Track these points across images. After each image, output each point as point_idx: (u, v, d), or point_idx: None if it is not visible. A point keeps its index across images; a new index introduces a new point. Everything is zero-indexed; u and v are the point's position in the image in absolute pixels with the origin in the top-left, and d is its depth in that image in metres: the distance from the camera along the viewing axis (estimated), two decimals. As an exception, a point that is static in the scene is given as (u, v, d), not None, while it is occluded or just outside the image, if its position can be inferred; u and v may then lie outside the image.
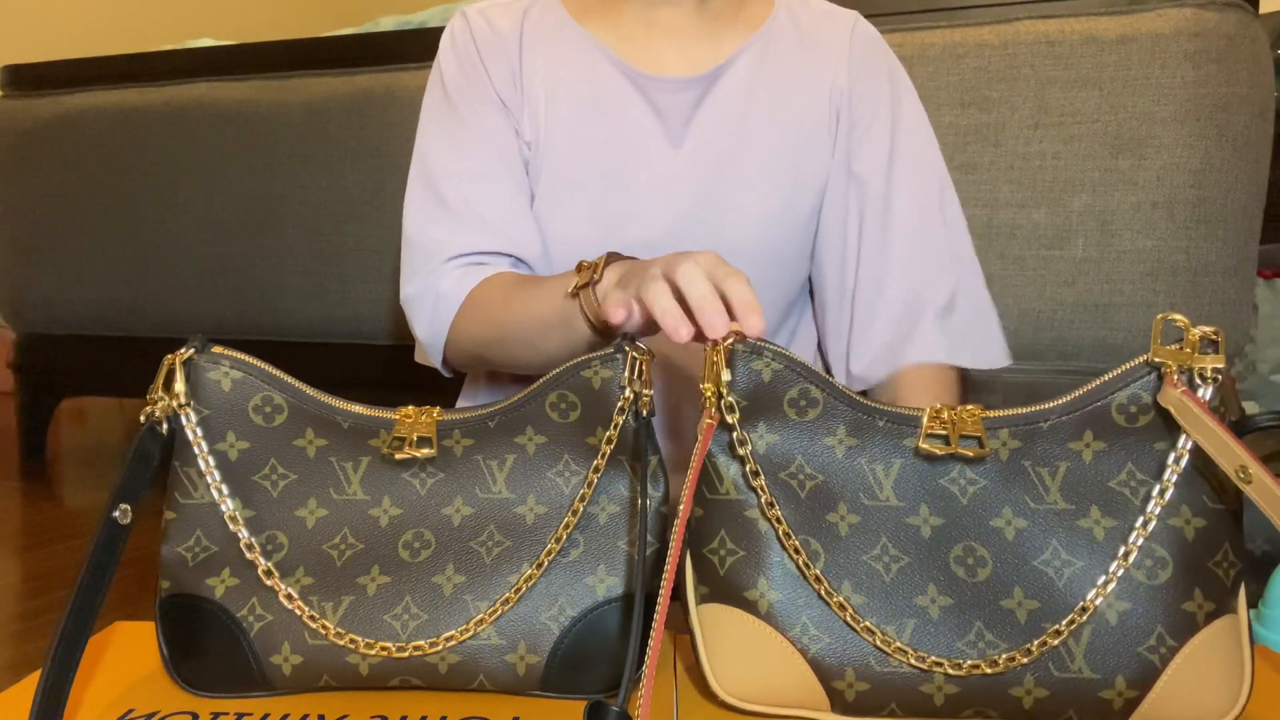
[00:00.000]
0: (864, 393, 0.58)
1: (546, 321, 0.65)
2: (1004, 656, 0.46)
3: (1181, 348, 0.46)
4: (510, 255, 0.76)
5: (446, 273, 0.75)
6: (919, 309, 0.78)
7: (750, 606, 0.49)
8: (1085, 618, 0.46)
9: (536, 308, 0.66)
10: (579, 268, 0.62)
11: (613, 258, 0.62)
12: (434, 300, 0.75)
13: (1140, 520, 0.47)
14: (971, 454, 0.48)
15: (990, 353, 0.80)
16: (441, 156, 0.78)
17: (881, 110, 0.80)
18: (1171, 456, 0.47)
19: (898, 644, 0.47)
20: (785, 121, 0.79)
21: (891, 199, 0.79)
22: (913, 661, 0.46)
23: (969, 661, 0.46)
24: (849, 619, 0.47)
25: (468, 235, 0.75)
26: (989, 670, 0.46)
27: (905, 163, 0.80)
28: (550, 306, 0.64)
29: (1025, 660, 0.46)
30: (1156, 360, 0.46)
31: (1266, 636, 0.68)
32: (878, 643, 0.47)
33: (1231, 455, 0.43)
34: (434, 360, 0.80)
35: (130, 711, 0.49)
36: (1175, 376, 0.45)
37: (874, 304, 0.79)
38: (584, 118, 0.78)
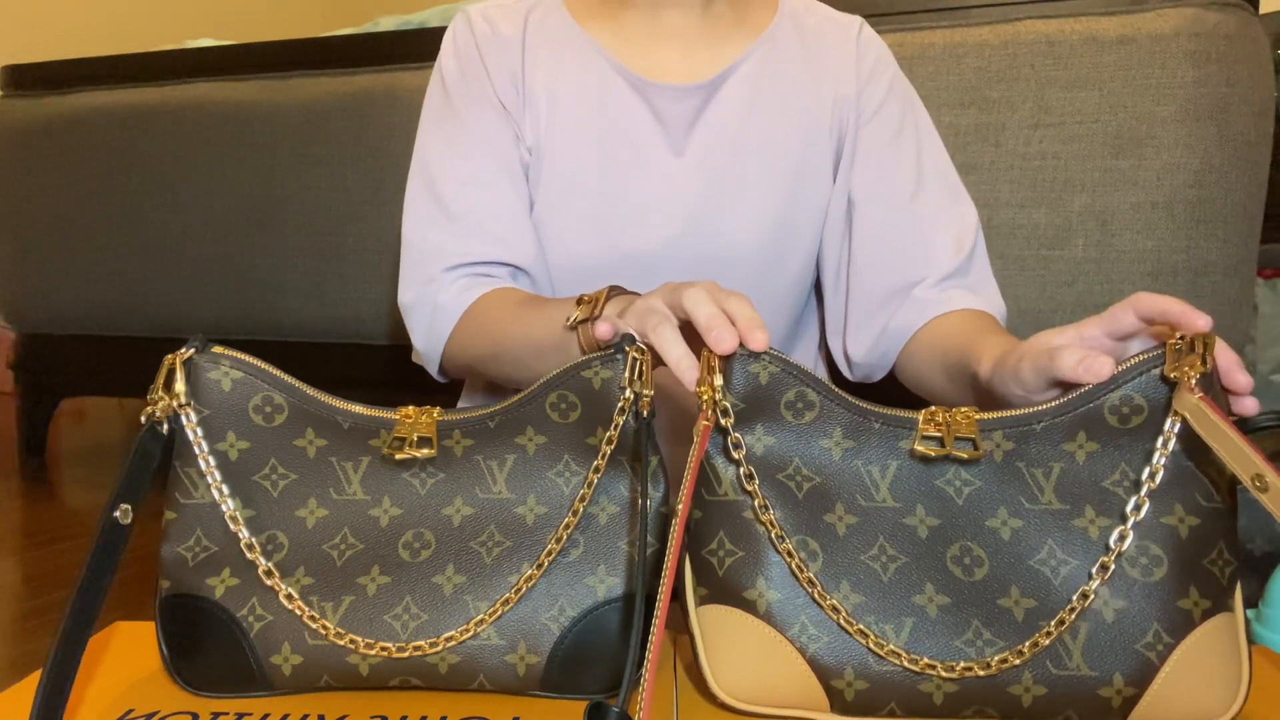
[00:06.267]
0: (872, 387, 0.57)
1: (542, 346, 0.65)
2: (997, 658, 0.46)
3: (1175, 348, 0.46)
4: (509, 264, 0.76)
5: (445, 284, 0.75)
6: (914, 282, 0.76)
7: (749, 606, 0.49)
8: (1074, 617, 0.46)
9: (534, 331, 0.66)
10: (579, 300, 0.62)
11: (614, 291, 0.62)
12: (431, 311, 0.75)
13: (1131, 519, 0.47)
14: (966, 456, 0.49)
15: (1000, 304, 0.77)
16: (441, 160, 0.78)
17: (887, 105, 0.80)
18: (1160, 440, 0.47)
19: (890, 646, 0.47)
20: (787, 129, 0.79)
21: (897, 179, 0.79)
22: (905, 664, 0.46)
23: (962, 664, 0.46)
24: (842, 621, 0.47)
25: (467, 243, 0.75)
26: (981, 673, 0.46)
27: (909, 146, 0.80)
28: (548, 333, 0.64)
29: (1018, 661, 0.46)
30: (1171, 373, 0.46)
31: (1267, 636, 0.68)
32: (870, 645, 0.47)
33: (1248, 463, 0.42)
34: (430, 368, 0.80)
35: (130, 711, 0.50)
36: (1192, 382, 0.45)
37: (871, 290, 0.78)
38: (585, 123, 0.78)
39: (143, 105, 1.67)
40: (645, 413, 0.51)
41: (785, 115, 0.78)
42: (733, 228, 0.78)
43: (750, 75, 0.78)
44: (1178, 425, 0.46)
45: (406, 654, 0.49)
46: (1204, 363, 0.45)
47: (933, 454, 0.49)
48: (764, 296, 0.80)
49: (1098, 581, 0.46)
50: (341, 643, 0.49)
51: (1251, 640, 0.47)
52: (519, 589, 0.50)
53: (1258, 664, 0.55)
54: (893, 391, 0.81)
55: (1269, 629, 0.68)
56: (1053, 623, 0.46)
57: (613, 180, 0.77)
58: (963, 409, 0.49)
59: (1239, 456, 0.43)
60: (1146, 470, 0.47)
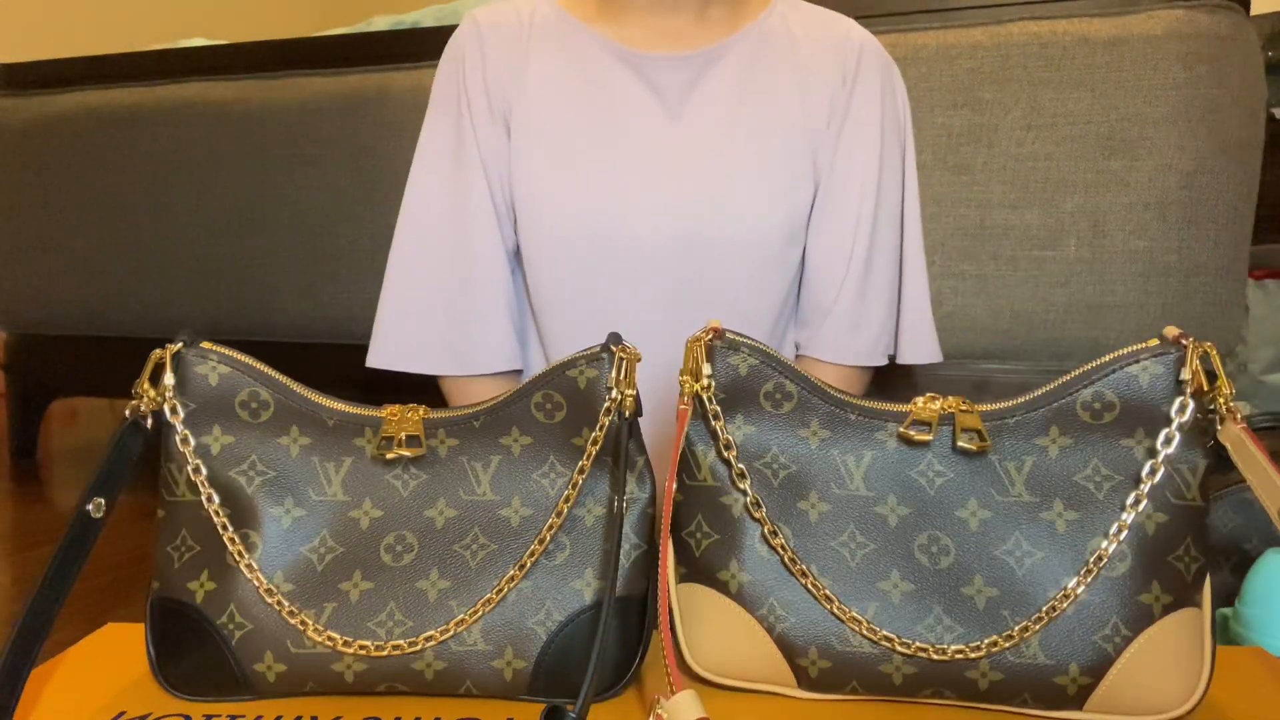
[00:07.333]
0: (878, 383, 0.58)
1: None
2: (954, 646, 0.47)
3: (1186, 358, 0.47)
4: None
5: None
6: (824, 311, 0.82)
7: (722, 587, 0.51)
8: (1035, 608, 0.47)
9: None
10: None
11: None
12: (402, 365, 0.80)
13: (1115, 525, 0.48)
14: (975, 446, 0.49)
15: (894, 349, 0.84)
16: (432, 205, 0.81)
17: (869, 123, 0.80)
18: (1147, 468, 0.48)
19: (867, 623, 0.48)
20: (779, 113, 0.79)
21: (859, 206, 0.81)
22: (865, 632, 0.48)
23: (917, 644, 0.47)
24: (822, 597, 0.49)
25: (447, 315, 0.80)
26: (937, 657, 0.47)
27: (870, 173, 0.81)
28: None
29: (976, 647, 0.47)
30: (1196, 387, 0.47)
31: (1246, 636, 0.68)
32: (848, 619, 0.48)
33: (1277, 495, 0.43)
34: None
35: (123, 714, 0.49)
36: (1239, 415, 0.46)
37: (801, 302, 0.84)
38: (579, 95, 0.79)
39: (135, 105, 1.66)
40: (629, 413, 0.51)
41: (776, 100, 0.79)
42: (729, 201, 0.78)
43: (741, 57, 0.80)
44: (1175, 439, 0.47)
45: (385, 652, 0.48)
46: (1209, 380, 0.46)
47: (915, 436, 0.49)
48: (755, 284, 0.80)
49: (1062, 574, 0.47)
50: (324, 648, 0.49)
51: (1214, 633, 0.48)
52: (500, 589, 0.50)
53: (1251, 664, 0.55)
54: (899, 386, 0.81)
55: (1246, 629, 0.68)
56: (1012, 611, 0.47)
57: (610, 148, 0.78)
58: (951, 399, 0.50)
59: (1271, 490, 0.44)
60: (1142, 485, 0.47)
